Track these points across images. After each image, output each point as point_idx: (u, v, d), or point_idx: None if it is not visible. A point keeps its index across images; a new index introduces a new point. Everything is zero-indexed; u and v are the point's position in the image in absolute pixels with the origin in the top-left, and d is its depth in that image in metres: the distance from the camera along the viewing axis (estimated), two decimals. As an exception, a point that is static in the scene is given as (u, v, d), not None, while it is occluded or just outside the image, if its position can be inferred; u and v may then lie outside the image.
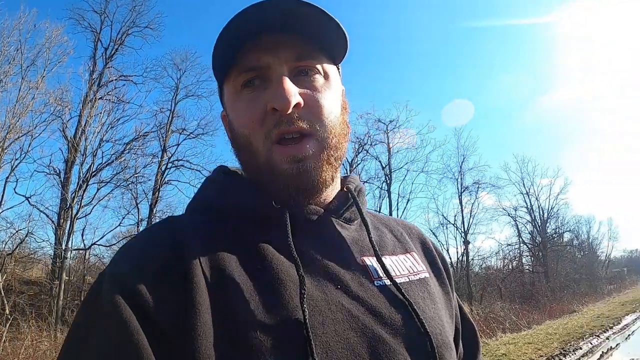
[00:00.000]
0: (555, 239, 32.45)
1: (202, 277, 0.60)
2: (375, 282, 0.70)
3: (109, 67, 17.85)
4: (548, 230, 30.95)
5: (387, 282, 0.71)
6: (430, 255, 0.88)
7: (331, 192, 0.78)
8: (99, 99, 17.34)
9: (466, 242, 23.89)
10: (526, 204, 29.80)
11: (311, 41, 0.74)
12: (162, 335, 0.55)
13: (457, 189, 24.26)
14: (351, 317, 0.63)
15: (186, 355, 0.54)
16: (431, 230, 24.24)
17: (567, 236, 35.31)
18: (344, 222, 0.77)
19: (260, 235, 0.68)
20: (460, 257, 24.44)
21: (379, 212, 22.03)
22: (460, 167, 24.31)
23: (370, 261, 0.73)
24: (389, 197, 22.21)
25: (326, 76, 0.76)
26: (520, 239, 29.57)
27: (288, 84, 0.69)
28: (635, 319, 15.58)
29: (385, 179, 22.45)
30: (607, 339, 11.77)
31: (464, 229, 24.02)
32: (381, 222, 0.88)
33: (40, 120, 15.42)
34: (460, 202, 24.18)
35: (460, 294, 21.18)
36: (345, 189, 0.80)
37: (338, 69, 0.81)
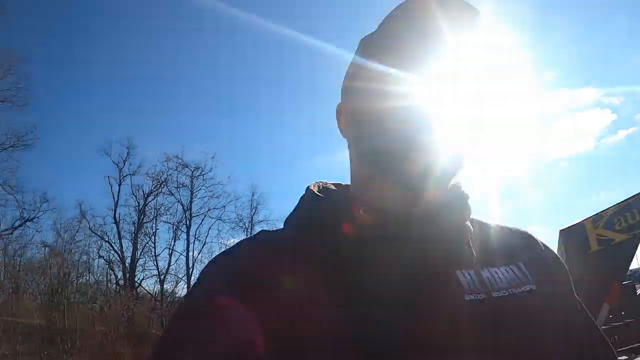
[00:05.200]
0: None
1: (279, 293, 0.62)
2: (466, 297, 0.66)
3: None
4: None
5: (481, 296, 0.66)
6: (542, 265, 0.78)
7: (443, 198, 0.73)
8: None
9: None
10: None
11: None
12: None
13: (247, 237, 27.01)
14: (429, 333, 0.61)
15: None
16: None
17: None
18: (444, 230, 0.72)
19: (351, 249, 0.67)
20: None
21: (172, 251, 23.50)
22: (252, 218, 27.45)
23: (464, 274, 0.69)
24: (187, 238, 24.86)
25: None
26: None
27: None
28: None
29: (186, 220, 24.97)
30: None
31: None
32: (486, 229, 0.82)
33: None
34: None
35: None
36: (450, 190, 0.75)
37: None
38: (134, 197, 25.41)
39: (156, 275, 24.83)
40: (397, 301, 0.62)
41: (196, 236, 25.61)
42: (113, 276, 24.70)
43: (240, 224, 27.12)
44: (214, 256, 0.73)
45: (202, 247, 25.55)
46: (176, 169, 25.34)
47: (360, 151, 0.76)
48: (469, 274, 0.70)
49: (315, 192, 0.78)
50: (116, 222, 24.57)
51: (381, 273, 0.64)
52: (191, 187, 25.36)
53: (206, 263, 0.72)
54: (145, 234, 25.40)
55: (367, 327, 0.60)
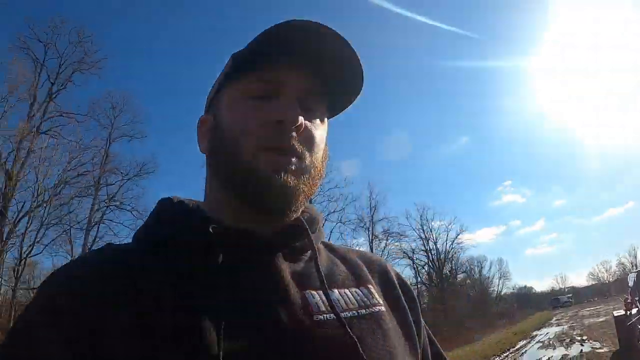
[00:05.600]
0: (451, 279, 35.25)
1: (126, 309, 0.58)
2: (315, 317, 0.65)
3: (51, 102, 17.71)
4: (444, 271, 33.54)
5: (331, 316, 0.66)
6: (391, 288, 0.83)
7: (290, 221, 0.74)
8: (41, 133, 17.04)
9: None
10: (425, 247, 32.59)
11: (329, 84, 0.75)
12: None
13: (368, 237, 27.19)
14: (280, 355, 0.60)
15: None
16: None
17: (461, 276, 38.51)
18: (295, 252, 0.73)
19: (196, 265, 0.64)
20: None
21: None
22: (372, 217, 27.30)
23: (314, 294, 0.69)
24: None
25: (322, 120, 0.76)
26: (418, 279, 32.14)
27: (297, 105, 0.69)
28: (526, 343, 18.50)
29: None
30: (507, 357, 14.51)
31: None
32: (336, 253, 0.84)
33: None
34: (371, 249, 26.28)
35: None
36: (298, 218, 0.75)
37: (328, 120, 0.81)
38: None
39: None
40: (240, 327, 0.60)
41: None
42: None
43: (361, 224, 27.05)
44: (57, 269, 0.67)
45: None
46: None
47: (215, 167, 0.74)
48: (318, 294, 0.69)
49: (167, 207, 0.74)
50: None
51: (233, 295, 0.63)
52: None
53: (48, 275, 0.66)
54: None
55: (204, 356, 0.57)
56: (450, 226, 34.19)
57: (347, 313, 0.69)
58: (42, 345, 0.55)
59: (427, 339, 0.84)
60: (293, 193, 0.68)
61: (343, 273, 0.78)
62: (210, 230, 0.65)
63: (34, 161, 16.54)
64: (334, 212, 25.56)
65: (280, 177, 0.66)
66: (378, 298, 0.76)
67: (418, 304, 0.86)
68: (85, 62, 19.32)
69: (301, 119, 0.68)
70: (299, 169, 0.69)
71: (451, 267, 35.49)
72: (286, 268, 0.70)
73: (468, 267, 40.60)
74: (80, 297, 0.58)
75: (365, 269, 0.82)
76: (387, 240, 27.92)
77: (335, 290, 0.72)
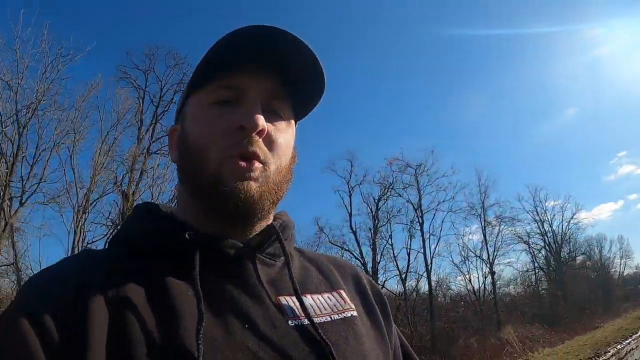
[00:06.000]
0: (569, 262, 33.83)
1: (102, 314, 0.57)
2: (289, 322, 0.67)
3: (157, 124, 18.88)
4: (562, 254, 32.75)
5: (305, 321, 0.67)
6: (363, 293, 0.84)
7: (261, 228, 0.75)
8: (152, 153, 18.12)
9: (492, 273, 26.14)
10: (540, 230, 31.64)
11: (291, 87, 0.76)
12: None
13: (481, 224, 26.96)
14: (255, 358, 0.60)
15: None
16: (455, 264, 26.61)
17: (580, 258, 36.68)
18: (268, 258, 0.75)
19: (171, 271, 0.65)
20: (483, 287, 26.50)
21: (410, 250, 24.35)
22: (483, 204, 26.71)
23: (287, 300, 0.70)
24: (422, 235, 24.66)
25: (289, 123, 0.77)
26: (535, 264, 31.14)
27: (260, 110, 0.69)
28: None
29: (418, 218, 24.82)
30: (629, 343, 14.82)
31: (489, 260, 26.42)
32: (309, 258, 0.85)
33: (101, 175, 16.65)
34: (484, 236, 26.61)
35: (489, 320, 23.58)
36: (270, 224, 0.76)
37: (296, 123, 0.81)
38: (366, 204, 25.86)
39: (397, 275, 24.84)
40: (216, 331, 0.61)
41: (430, 232, 25.13)
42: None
43: (472, 212, 26.68)
44: (35, 274, 0.67)
45: (438, 241, 25.17)
46: (399, 171, 25.47)
47: (183, 177, 0.75)
48: (291, 300, 0.70)
49: (143, 213, 0.75)
50: (353, 231, 25.15)
51: (208, 301, 0.63)
52: (417, 185, 25.14)
53: (29, 279, 0.65)
54: (382, 238, 25.54)
55: None
56: (565, 206, 32.42)
57: (320, 318, 0.70)
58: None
59: (397, 340, 0.85)
60: (256, 200, 0.68)
61: (316, 278, 0.80)
62: (187, 236, 0.67)
63: (147, 181, 17.63)
64: (443, 201, 25.38)
65: (244, 185, 0.67)
66: (350, 303, 0.78)
67: (389, 308, 0.87)
68: (184, 82, 18.99)
69: (263, 123, 0.68)
70: (262, 175, 0.69)
71: (569, 250, 33.75)
72: (260, 274, 0.70)
73: (587, 248, 38.03)
74: (54, 305, 0.58)
75: (337, 273, 0.84)
76: (500, 225, 27.31)
77: (309, 296, 0.73)
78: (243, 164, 0.68)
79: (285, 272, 0.74)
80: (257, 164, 0.69)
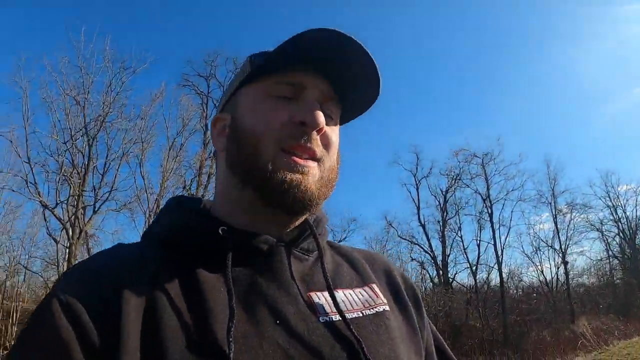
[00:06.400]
0: None
1: (135, 304, 0.59)
2: (320, 318, 0.67)
3: None
4: (637, 241, 31.48)
5: (336, 317, 0.67)
6: (395, 287, 0.84)
7: (298, 222, 0.75)
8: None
9: (565, 263, 25.93)
10: (613, 216, 30.55)
11: (343, 92, 0.77)
12: None
13: (551, 212, 26.88)
14: (285, 355, 0.60)
15: None
16: (526, 255, 26.74)
17: None
18: (301, 253, 0.75)
19: (204, 264, 0.67)
20: (556, 277, 26.47)
21: (480, 242, 24.52)
22: (553, 191, 26.70)
23: (319, 296, 0.70)
24: (492, 225, 24.70)
25: (337, 125, 0.78)
26: (609, 253, 30.73)
27: (320, 108, 0.70)
28: None
29: (487, 209, 24.95)
30: None
31: (561, 249, 26.17)
32: (340, 253, 0.85)
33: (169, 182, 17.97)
34: (556, 225, 26.71)
35: (562, 312, 23.57)
36: (306, 219, 0.76)
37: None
38: (433, 197, 26.39)
39: (467, 267, 25.14)
40: (247, 327, 0.61)
41: (500, 222, 25.16)
42: (428, 275, 26.25)
43: (542, 200, 26.57)
44: (70, 268, 0.67)
45: (509, 232, 25.35)
46: (466, 161, 25.72)
47: (233, 166, 0.73)
48: (323, 295, 0.71)
49: (175, 207, 0.76)
50: (422, 225, 25.87)
51: (240, 296, 0.64)
52: (485, 174, 25.11)
53: (66, 273, 0.66)
54: (451, 230, 25.94)
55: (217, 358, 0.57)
56: (638, 189, 30.84)
57: (352, 314, 0.70)
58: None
59: (430, 336, 0.84)
60: (315, 196, 0.69)
61: (348, 273, 0.80)
62: (220, 232, 0.67)
63: (215, 184, 19.01)
64: (512, 190, 25.38)
65: (302, 180, 0.68)
66: (382, 297, 0.77)
67: (421, 301, 0.86)
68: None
69: (323, 121, 0.69)
70: (318, 172, 0.71)
71: (644, 236, 33.06)
72: (293, 269, 0.71)
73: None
74: (97, 289, 0.60)
75: (369, 268, 0.84)
76: (571, 213, 27.07)
77: (340, 291, 0.73)
78: (300, 159, 0.70)
79: (318, 267, 0.75)
80: (314, 161, 0.72)
